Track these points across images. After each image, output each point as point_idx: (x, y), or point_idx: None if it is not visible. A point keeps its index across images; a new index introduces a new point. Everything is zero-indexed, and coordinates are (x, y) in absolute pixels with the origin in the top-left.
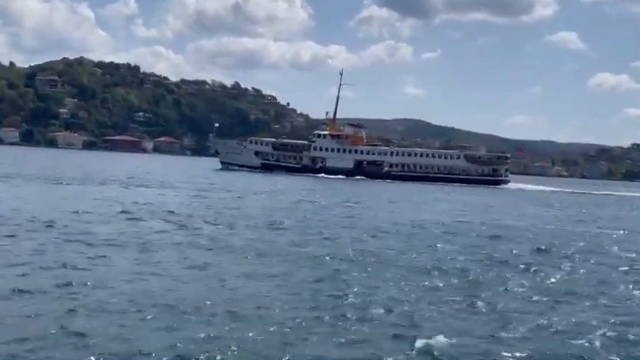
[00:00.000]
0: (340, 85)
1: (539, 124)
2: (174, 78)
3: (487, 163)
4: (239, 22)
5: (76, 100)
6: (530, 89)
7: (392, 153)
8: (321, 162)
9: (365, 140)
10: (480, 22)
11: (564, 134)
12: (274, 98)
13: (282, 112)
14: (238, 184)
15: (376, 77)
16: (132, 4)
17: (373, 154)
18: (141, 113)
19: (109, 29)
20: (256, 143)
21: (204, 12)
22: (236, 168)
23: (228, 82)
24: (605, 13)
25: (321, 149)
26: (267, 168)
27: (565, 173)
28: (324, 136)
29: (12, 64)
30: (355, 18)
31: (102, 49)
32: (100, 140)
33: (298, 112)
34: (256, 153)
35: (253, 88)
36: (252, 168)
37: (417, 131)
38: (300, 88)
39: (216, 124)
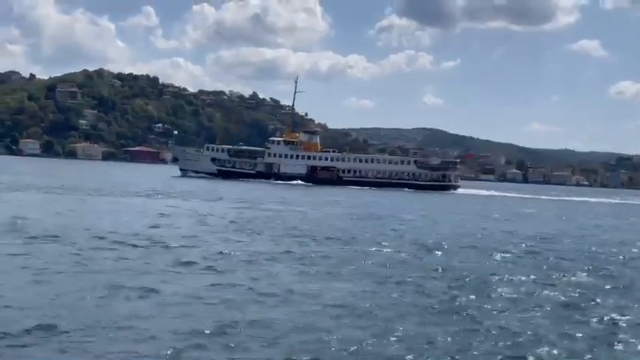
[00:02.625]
0: (295, 92)
1: (557, 132)
2: (192, 89)
3: (437, 169)
4: (258, 32)
5: (96, 111)
6: (549, 98)
7: (344, 159)
8: (276, 168)
9: (319, 147)
10: (500, 31)
11: (583, 143)
12: (292, 108)
13: (300, 123)
14: (242, 194)
15: (395, 87)
16: (152, 16)
17: (326, 159)
18: (160, 124)
19: (129, 41)
20: (212, 150)
21: (224, 23)
22: (194, 175)
23: (247, 93)
24: (628, 21)
25: (275, 155)
26: (223, 174)
27: (585, 182)
28: (278, 142)
29: (32, 75)
30: (375, 27)
31: (122, 60)
32: (119, 151)
33: (316, 122)
34: (213, 159)
35: (271, 99)
36: (209, 174)
37: (435, 141)
38: (319, 98)
39: (175, 132)
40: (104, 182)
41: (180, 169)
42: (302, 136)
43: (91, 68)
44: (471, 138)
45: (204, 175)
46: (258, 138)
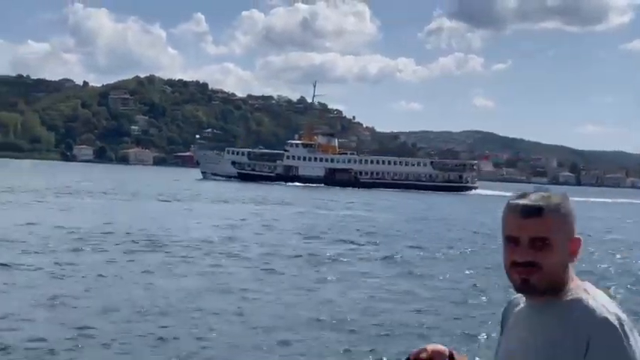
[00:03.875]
0: (314, 96)
1: (611, 134)
2: (241, 94)
3: (453, 170)
4: (307, 36)
5: (147, 117)
6: (602, 98)
7: (361, 161)
8: (295, 170)
9: (337, 149)
10: (552, 32)
11: (637, 144)
12: (340, 112)
13: (348, 126)
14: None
15: (444, 89)
16: (202, 23)
17: (343, 162)
18: (209, 129)
19: (179, 47)
20: (233, 153)
21: (273, 28)
22: (215, 177)
23: (295, 97)
24: None
25: (293, 158)
26: (243, 177)
27: None
28: (297, 145)
29: (86, 83)
30: (424, 30)
31: (173, 67)
32: (170, 156)
33: (364, 125)
34: (233, 163)
35: (319, 103)
36: (229, 177)
37: (485, 143)
38: (367, 101)
39: (197, 136)
40: (169, 188)
41: (202, 172)
42: (320, 139)
43: (142, 75)
44: (522, 140)
45: (225, 178)
46: None
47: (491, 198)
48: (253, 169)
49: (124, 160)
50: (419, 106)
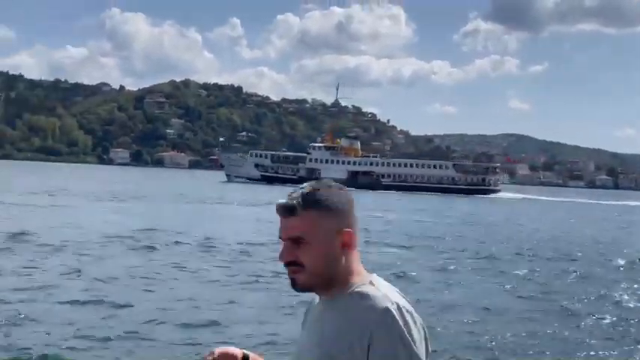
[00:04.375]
0: (337, 98)
1: None
2: (275, 97)
3: (476, 173)
4: (342, 40)
5: (183, 120)
6: None
7: (384, 164)
8: (317, 173)
9: (360, 152)
10: (590, 33)
11: None
12: (374, 115)
13: (383, 130)
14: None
15: (480, 92)
16: (237, 27)
17: (366, 164)
18: (244, 132)
19: (215, 51)
20: (256, 156)
21: (308, 32)
22: (238, 180)
23: (329, 100)
24: None
25: (316, 160)
26: (266, 179)
27: None
28: (319, 147)
29: (122, 87)
30: (460, 32)
31: (208, 70)
32: (205, 159)
33: (399, 129)
34: (256, 165)
35: (353, 106)
36: (252, 180)
37: (521, 147)
38: (401, 104)
39: (221, 139)
40: (214, 190)
41: (226, 175)
42: (343, 142)
43: (178, 79)
44: (559, 144)
45: (248, 181)
46: None
47: (519, 201)
48: (276, 172)
49: (159, 163)
50: (454, 109)
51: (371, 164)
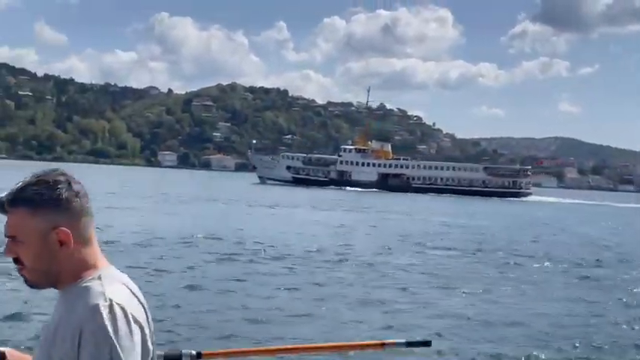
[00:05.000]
0: (367, 102)
1: None
2: (321, 100)
3: (507, 176)
4: (388, 43)
5: (229, 124)
6: None
7: (414, 166)
8: (348, 175)
9: (391, 155)
10: None
11: None
12: (420, 118)
13: (428, 133)
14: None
15: (528, 94)
16: (284, 30)
17: (396, 167)
18: (289, 136)
19: (261, 55)
20: (288, 158)
21: (354, 34)
22: (271, 182)
23: (374, 103)
24: None
25: (347, 163)
26: (297, 181)
27: None
28: (350, 150)
29: (170, 91)
30: (507, 34)
31: (254, 74)
32: (251, 162)
33: (444, 132)
34: (288, 167)
35: (398, 109)
36: (284, 182)
37: (569, 150)
38: (448, 107)
39: (254, 141)
40: (274, 194)
41: (259, 177)
42: (374, 144)
43: (225, 82)
44: (609, 147)
45: (280, 183)
46: None
47: (555, 204)
48: (308, 174)
49: (206, 165)
50: (501, 112)
51: (401, 167)
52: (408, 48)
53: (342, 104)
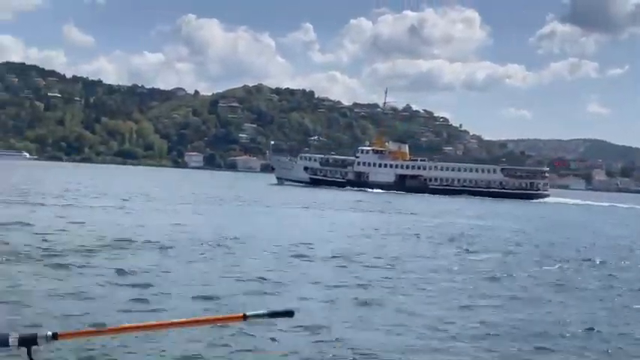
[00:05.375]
0: (385, 102)
1: None
2: (347, 102)
3: (524, 177)
4: (414, 44)
5: (255, 125)
6: None
7: (431, 167)
8: (365, 176)
9: (408, 156)
10: None
11: None
12: (446, 120)
13: (455, 134)
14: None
15: (556, 96)
16: (310, 32)
17: (413, 168)
18: (315, 137)
19: (288, 56)
20: (305, 159)
21: (381, 36)
22: (289, 183)
23: (400, 105)
24: None
25: (364, 164)
26: (315, 182)
27: None
28: (367, 151)
29: (196, 92)
30: (536, 35)
31: (281, 75)
32: None
33: (471, 133)
34: (305, 168)
35: (425, 110)
36: (302, 182)
37: (598, 152)
38: (475, 109)
39: (272, 142)
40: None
41: (277, 178)
42: (391, 145)
43: (251, 84)
44: (638, 149)
45: (298, 184)
46: (411, 150)
47: (582, 206)
48: (325, 175)
49: (232, 166)
50: (528, 114)
51: (419, 168)
52: (434, 49)
53: (368, 105)
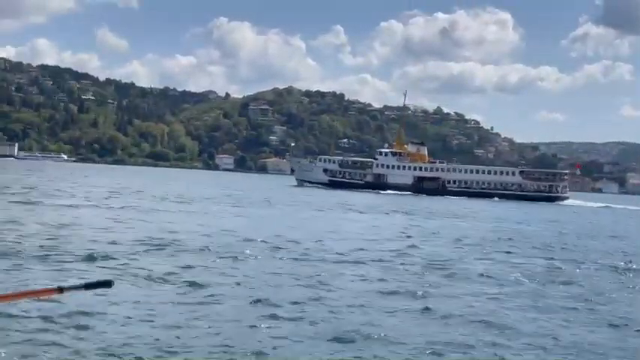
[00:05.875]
0: (404, 104)
1: None
2: (377, 104)
3: (543, 180)
4: (446, 46)
5: (285, 127)
6: None
7: (449, 169)
8: (384, 178)
9: (427, 158)
10: None
11: None
12: (477, 123)
13: (486, 137)
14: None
15: (589, 99)
16: (341, 34)
17: (431, 170)
18: (345, 139)
19: (318, 59)
20: (325, 161)
21: (412, 38)
22: (308, 185)
23: (431, 107)
24: None
25: (383, 166)
26: (334, 184)
27: None
28: (386, 153)
29: (227, 94)
30: (569, 37)
31: (311, 78)
32: None
33: (503, 136)
34: (325, 170)
35: (456, 113)
36: (321, 184)
37: (632, 155)
38: (506, 111)
39: (292, 144)
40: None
41: (297, 179)
42: (410, 147)
43: (282, 86)
44: None
45: (317, 186)
46: (442, 153)
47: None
48: (344, 177)
49: (262, 169)
50: (561, 116)
51: (437, 170)
52: (466, 51)
53: (399, 108)
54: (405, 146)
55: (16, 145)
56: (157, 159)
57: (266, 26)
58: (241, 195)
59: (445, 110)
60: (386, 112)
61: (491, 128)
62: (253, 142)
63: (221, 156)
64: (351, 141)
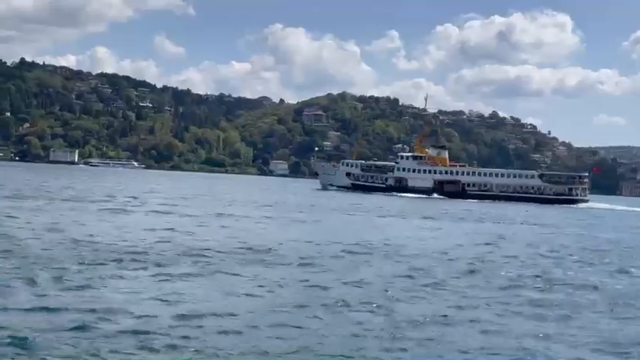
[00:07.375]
0: (425, 108)
1: None
2: (432, 109)
3: (563, 183)
4: (503, 49)
5: (339, 133)
6: None
7: (469, 173)
8: (405, 182)
9: (448, 162)
10: None
11: None
12: (534, 127)
13: (543, 142)
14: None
15: None
16: (396, 39)
17: (451, 173)
18: (399, 144)
19: (372, 64)
20: (347, 165)
21: (467, 42)
22: (332, 188)
23: (487, 112)
24: None
25: (404, 170)
26: (356, 188)
27: None
28: (407, 157)
29: (282, 100)
30: (630, 39)
31: (365, 83)
32: None
33: (560, 140)
34: (347, 174)
35: (512, 117)
36: (344, 188)
37: None
38: (564, 115)
39: (316, 148)
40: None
41: (321, 183)
42: (431, 151)
43: (336, 92)
44: None
45: (340, 189)
46: (498, 158)
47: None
48: (366, 181)
49: (316, 174)
50: (621, 120)
51: (457, 173)
52: (523, 54)
53: (454, 113)
54: (426, 150)
55: (77, 151)
56: (212, 165)
57: (321, 32)
58: (276, 199)
59: (501, 114)
60: (441, 117)
61: (549, 132)
62: (307, 148)
63: (276, 162)
64: (404, 146)
